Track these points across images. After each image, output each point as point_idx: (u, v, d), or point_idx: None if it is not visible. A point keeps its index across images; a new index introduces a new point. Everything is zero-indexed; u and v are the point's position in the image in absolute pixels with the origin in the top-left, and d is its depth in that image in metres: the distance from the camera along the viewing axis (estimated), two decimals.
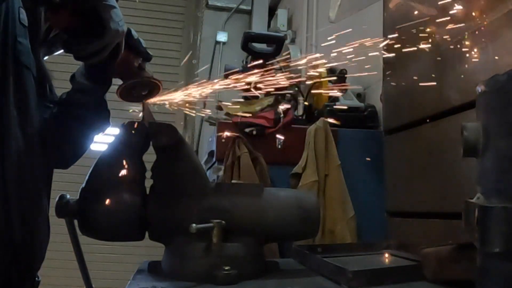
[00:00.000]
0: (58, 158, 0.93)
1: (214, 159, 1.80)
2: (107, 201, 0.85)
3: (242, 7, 3.77)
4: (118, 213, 0.85)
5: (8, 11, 0.77)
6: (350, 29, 1.22)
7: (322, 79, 1.81)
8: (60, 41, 0.90)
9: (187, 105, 1.02)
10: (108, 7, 0.80)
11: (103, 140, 0.97)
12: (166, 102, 0.98)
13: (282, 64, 1.25)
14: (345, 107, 1.79)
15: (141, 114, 0.97)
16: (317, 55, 1.10)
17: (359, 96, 1.90)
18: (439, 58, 1.05)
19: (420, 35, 1.07)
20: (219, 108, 1.84)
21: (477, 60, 0.94)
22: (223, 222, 0.82)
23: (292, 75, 1.08)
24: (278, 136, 1.67)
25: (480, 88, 0.57)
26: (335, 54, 1.06)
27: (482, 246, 0.52)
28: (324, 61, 1.09)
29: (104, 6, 0.79)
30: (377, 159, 1.53)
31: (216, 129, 1.78)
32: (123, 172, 0.88)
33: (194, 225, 0.77)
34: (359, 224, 1.63)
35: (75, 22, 0.81)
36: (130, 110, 0.98)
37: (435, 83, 1.06)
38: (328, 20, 1.67)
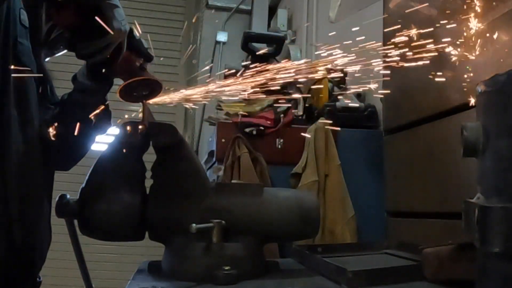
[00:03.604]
0: (59, 159, 0.93)
1: (214, 159, 1.80)
2: (107, 201, 0.85)
3: (242, 7, 3.76)
4: (118, 213, 0.85)
5: (9, 12, 0.78)
6: (350, 29, 1.22)
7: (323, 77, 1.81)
8: (61, 42, 0.90)
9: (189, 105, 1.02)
10: (111, 6, 0.80)
11: (103, 140, 0.97)
12: (167, 101, 0.98)
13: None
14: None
15: (140, 115, 0.97)
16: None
17: (359, 96, 1.90)
18: (439, 58, 1.05)
19: (420, 34, 1.07)
20: (219, 108, 1.84)
21: (477, 60, 0.94)
22: (223, 222, 0.82)
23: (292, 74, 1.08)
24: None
25: (480, 88, 0.57)
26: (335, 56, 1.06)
27: (482, 246, 0.52)
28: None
29: (107, 5, 0.79)
30: (377, 159, 1.53)
31: (216, 129, 1.78)
32: (123, 172, 0.88)
33: (194, 225, 0.77)
34: (359, 224, 1.63)
35: (78, 21, 0.81)
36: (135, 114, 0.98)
37: (435, 83, 1.06)
38: (328, 20, 1.67)
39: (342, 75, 1.82)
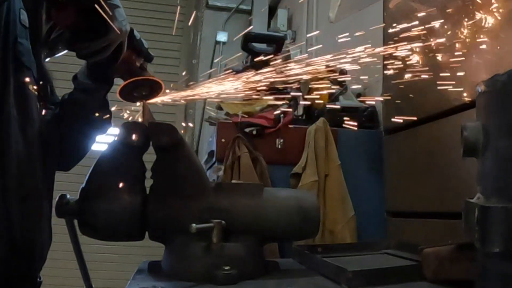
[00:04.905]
0: (60, 160, 0.93)
1: (214, 159, 1.80)
2: (107, 201, 0.85)
3: (242, 7, 3.77)
4: (118, 213, 0.85)
5: (9, 12, 0.78)
6: (350, 30, 1.22)
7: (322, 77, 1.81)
8: (62, 42, 0.91)
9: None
10: (112, 6, 0.80)
11: (103, 140, 0.97)
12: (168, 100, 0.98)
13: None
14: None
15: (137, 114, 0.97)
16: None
17: (359, 96, 1.90)
18: (439, 58, 1.05)
19: (420, 35, 1.07)
20: (219, 107, 1.84)
21: (477, 60, 0.94)
22: (223, 222, 0.82)
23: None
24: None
25: (480, 88, 0.57)
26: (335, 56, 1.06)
27: (482, 246, 0.52)
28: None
29: (108, 5, 0.80)
30: (377, 159, 1.53)
31: (216, 129, 1.78)
32: (123, 172, 0.88)
33: (194, 225, 0.77)
34: (359, 224, 1.63)
35: (78, 21, 0.81)
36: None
37: (435, 83, 1.06)
38: (328, 20, 1.67)
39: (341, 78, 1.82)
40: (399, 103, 1.28)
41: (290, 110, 1.78)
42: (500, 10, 0.89)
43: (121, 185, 0.87)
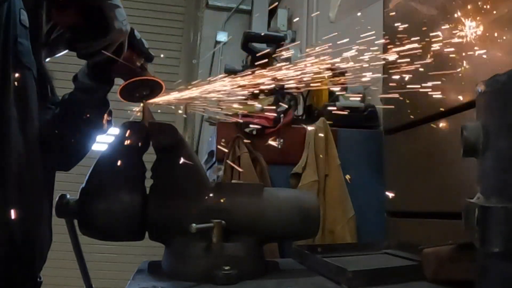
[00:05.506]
0: (60, 160, 0.93)
1: (214, 159, 1.80)
2: (107, 201, 0.85)
3: (242, 7, 3.77)
4: (118, 213, 0.85)
5: (9, 12, 0.78)
6: (350, 30, 1.22)
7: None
8: (62, 42, 0.91)
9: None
10: (112, 6, 0.80)
11: (103, 140, 0.97)
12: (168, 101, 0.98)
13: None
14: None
15: (140, 114, 0.97)
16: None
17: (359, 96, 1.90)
18: (439, 58, 1.05)
19: (420, 35, 1.07)
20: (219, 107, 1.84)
21: (477, 60, 0.95)
22: (223, 222, 0.82)
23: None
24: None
25: (480, 88, 0.57)
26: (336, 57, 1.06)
27: (482, 246, 0.52)
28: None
29: (108, 5, 0.80)
30: (377, 159, 1.53)
31: (216, 129, 1.78)
32: (123, 172, 0.88)
33: (194, 225, 0.77)
34: (359, 224, 1.63)
35: (79, 20, 0.81)
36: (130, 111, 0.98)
37: (435, 83, 1.06)
38: (328, 20, 1.67)
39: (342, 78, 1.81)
40: (399, 102, 1.27)
41: (291, 110, 1.78)
42: (500, 10, 0.89)
43: (121, 185, 0.87)
